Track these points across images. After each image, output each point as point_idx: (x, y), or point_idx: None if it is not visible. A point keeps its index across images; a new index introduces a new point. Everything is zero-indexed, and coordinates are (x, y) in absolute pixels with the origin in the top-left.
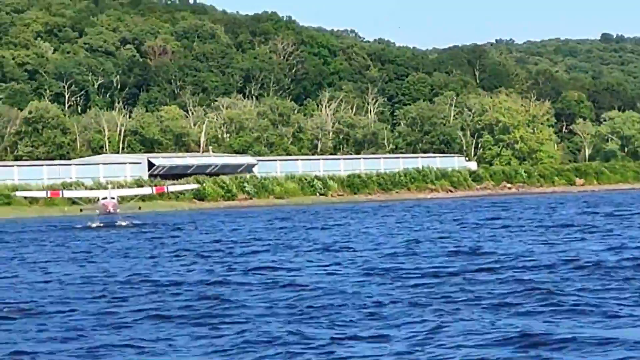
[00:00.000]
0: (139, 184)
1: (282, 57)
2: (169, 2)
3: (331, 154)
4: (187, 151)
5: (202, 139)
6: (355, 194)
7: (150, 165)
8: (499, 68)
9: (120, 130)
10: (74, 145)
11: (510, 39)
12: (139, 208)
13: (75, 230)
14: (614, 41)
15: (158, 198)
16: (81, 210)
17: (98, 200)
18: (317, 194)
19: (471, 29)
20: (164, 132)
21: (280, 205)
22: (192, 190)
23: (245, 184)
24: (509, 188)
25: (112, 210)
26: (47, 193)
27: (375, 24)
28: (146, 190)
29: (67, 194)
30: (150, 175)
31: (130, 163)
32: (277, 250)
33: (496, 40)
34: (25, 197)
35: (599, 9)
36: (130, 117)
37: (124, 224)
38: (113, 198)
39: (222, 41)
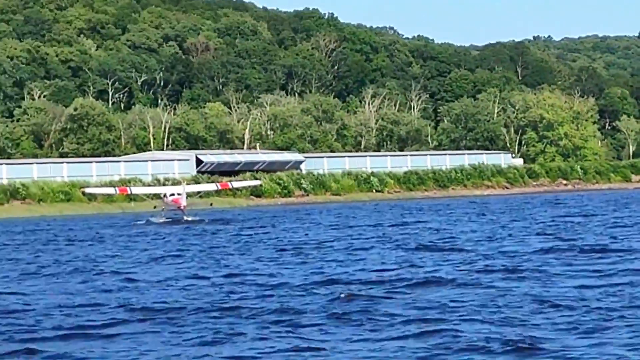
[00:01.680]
0: (196, 180)
1: (324, 54)
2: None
3: (375, 150)
4: (231, 148)
5: (247, 136)
6: (411, 190)
7: (199, 162)
8: (541, 64)
9: (164, 127)
10: (119, 142)
11: (549, 36)
12: (211, 204)
13: (149, 226)
14: None
15: (214, 195)
16: (155, 207)
17: (165, 196)
18: (374, 190)
19: (509, 25)
20: (208, 129)
21: (337, 201)
22: (250, 186)
23: (302, 180)
24: (565, 185)
25: (182, 206)
26: (115, 190)
27: (414, 21)
28: (211, 187)
29: (135, 190)
30: (198, 172)
31: (178, 160)
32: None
33: (534, 37)
34: (93, 194)
35: (637, 5)
36: (174, 114)
37: (190, 219)
38: (180, 194)
39: (264, 38)
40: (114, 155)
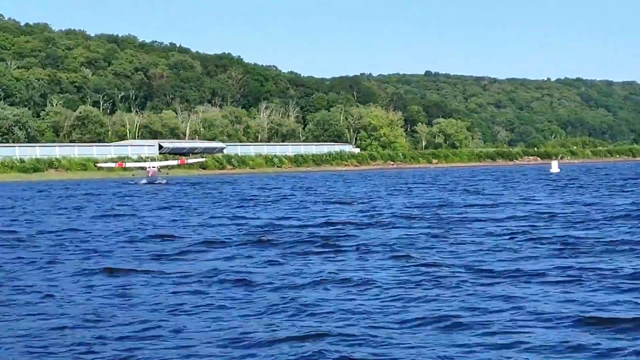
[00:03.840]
0: (165, 158)
1: (235, 81)
2: (164, 45)
3: (267, 142)
4: (178, 139)
5: (188, 132)
6: (298, 167)
7: (160, 147)
8: (368, 90)
9: (136, 125)
10: (108, 134)
11: (370, 73)
12: (167, 173)
13: (141, 185)
14: (432, 75)
15: (177, 168)
16: (133, 175)
17: (145, 168)
18: (275, 166)
19: (348, 63)
20: (163, 127)
21: (254, 173)
22: (199, 162)
23: (232, 159)
24: (392, 164)
25: (151, 174)
26: (116, 164)
27: (289, 61)
28: (174, 162)
29: (128, 164)
30: (160, 154)
31: (147, 145)
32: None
33: (360, 73)
34: (102, 167)
35: (424, 50)
36: (142, 117)
37: (163, 182)
38: (154, 167)
39: (197, 70)
40: (104, 142)
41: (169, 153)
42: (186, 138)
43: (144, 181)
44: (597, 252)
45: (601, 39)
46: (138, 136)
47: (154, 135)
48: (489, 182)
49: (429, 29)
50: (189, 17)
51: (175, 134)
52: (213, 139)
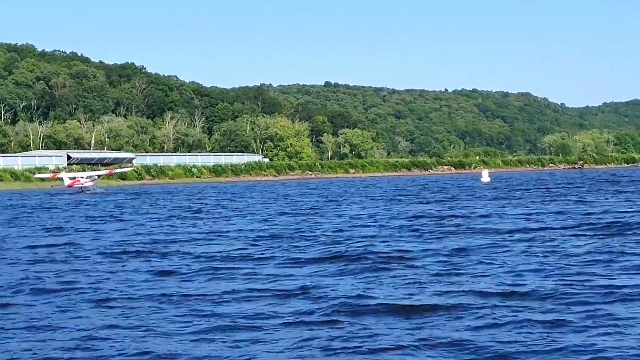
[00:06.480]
0: (93, 170)
1: (139, 91)
2: (65, 54)
3: (173, 152)
4: (83, 149)
5: (93, 142)
6: (217, 176)
7: (68, 157)
8: (273, 101)
9: (40, 135)
10: (11, 144)
11: (269, 84)
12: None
13: (77, 195)
14: (332, 86)
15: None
16: (51, 186)
17: (74, 178)
18: (195, 176)
19: (252, 74)
20: (68, 137)
21: (173, 184)
22: (127, 172)
23: (151, 170)
24: (310, 174)
25: (82, 184)
26: (50, 175)
27: (191, 71)
28: (103, 172)
29: (61, 175)
30: (68, 164)
31: (55, 156)
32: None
33: (261, 84)
34: (40, 177)
35: (324, 61)
36: (45, 127)
37: (97, 191)
38: (83, 177)
39: (100, 80)
40: (8, 153)
41: (77, 164)
42: (91, 148)
43: (90, 190)
44: None
45: (496, 50)
46: (42, 146)
47: (59, 145)
48: (441, 194)
49: (328, 40)
50: (89, 26)
51: (80, 144)
52: (119, 149)
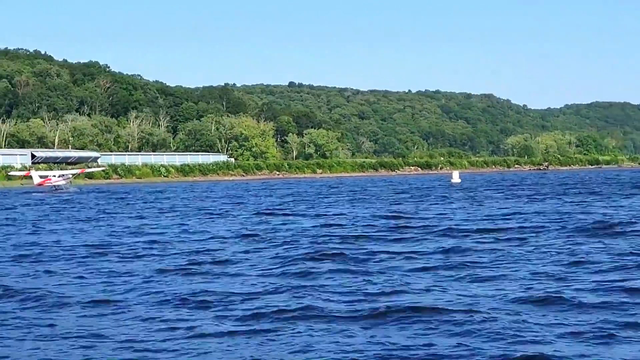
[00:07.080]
0: (63, 169)
1: (103, 90)
2: (28, 52)
3: (138, 151)
4: (47, 148)
5: (57, 141)
6: (185, 176)
7: (33, 156)
8: (239, 101)
9: (3, 134)
10: None
11: (233, 84)
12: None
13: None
14: (296, 86)
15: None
16: (22, 184)
17: (47, 177)
18: (162, 176)
19: (218, 73)
20: (31, 135)
21: (141, 183)
22: (96, 171)
23: (118, 169)
24: (278, 174)
25: (44, 184)
26: (24, 174)
27: (155, 70)
28: (77, 171)
29: (33, 173)
30: (32, 163)
31: (19, 155)
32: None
33: (225, 84)
34: (14, 176)
35: (287, 60)
36: (8, 125)
37: (71, 190)
38: (55, 176)
39: (64, 78)
40: None
41: (42, 162)
42: (55, 147)
43: (53, 190)
44: None
45: (459, 52)
46: (5, 145)
47: (22, 144)
48: (417, 196)
49: (292, 40)
50: (52, 24)
51: (43, 143)
52: (83, 148)
